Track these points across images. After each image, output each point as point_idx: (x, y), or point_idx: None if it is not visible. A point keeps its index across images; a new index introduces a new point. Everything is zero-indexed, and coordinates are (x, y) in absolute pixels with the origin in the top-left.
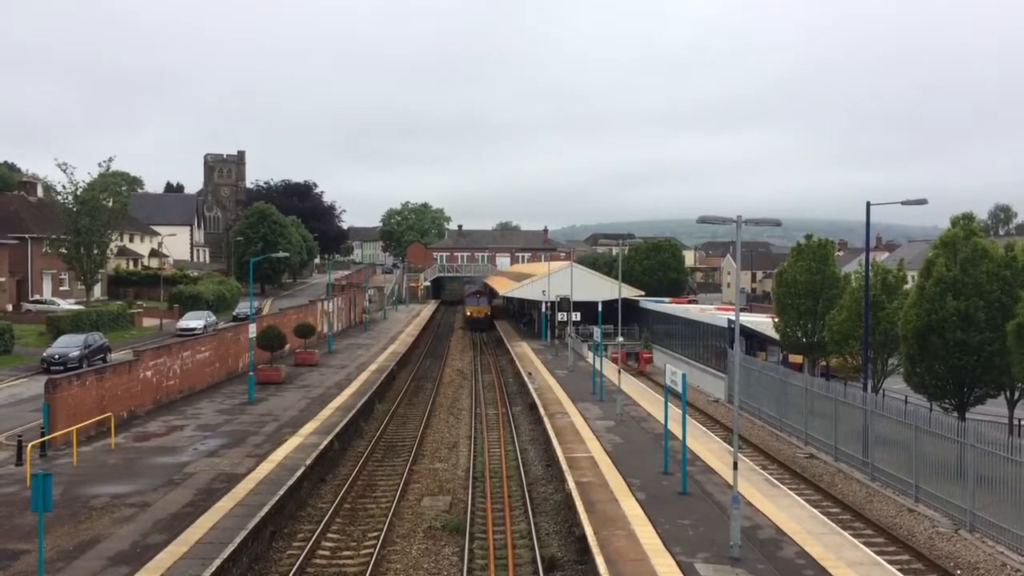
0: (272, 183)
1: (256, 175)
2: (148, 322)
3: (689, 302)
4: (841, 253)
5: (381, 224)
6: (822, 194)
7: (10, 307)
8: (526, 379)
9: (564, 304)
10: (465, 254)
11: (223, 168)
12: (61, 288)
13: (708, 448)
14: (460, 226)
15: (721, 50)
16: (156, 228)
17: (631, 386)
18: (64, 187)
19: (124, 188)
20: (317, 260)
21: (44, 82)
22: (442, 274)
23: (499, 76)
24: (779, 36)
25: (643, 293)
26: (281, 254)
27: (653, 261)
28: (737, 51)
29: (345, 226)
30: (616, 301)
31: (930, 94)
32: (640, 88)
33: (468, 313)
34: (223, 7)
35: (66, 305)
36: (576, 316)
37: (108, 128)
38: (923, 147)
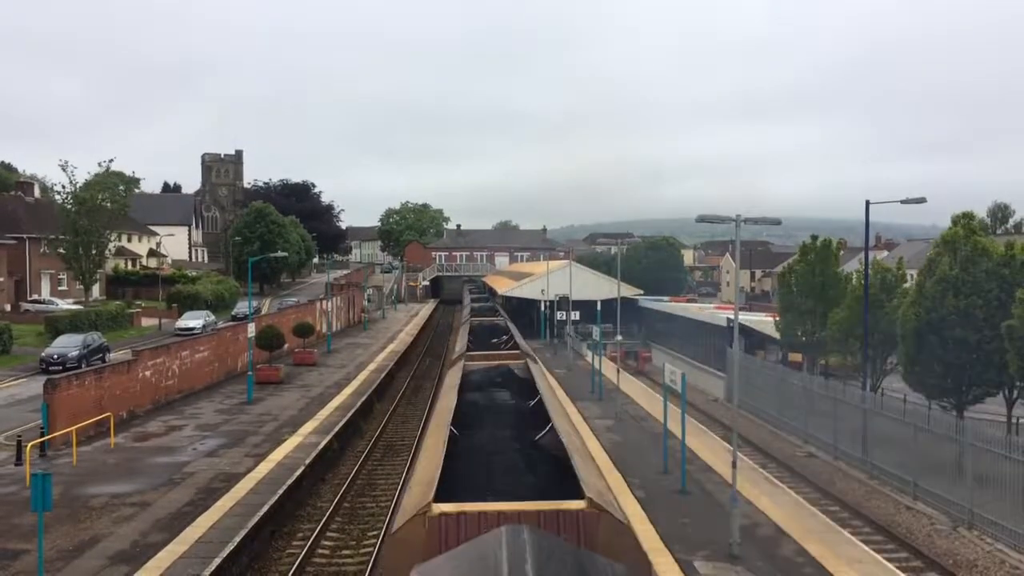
0: (270, 183)
1: (256, 173)
2: (147, 322)
3: (688, 301)
4: (840, 252)
5: (380, 224)
6: (821, 193)
7: (8, 307)
8: None
9: (563, 303)
10: (464, 254)
11: (221, 168)
12: (59, 288)
13: (707, 447)
14: (459, 226)
15: (723, 48)
16: (154, 228)
17: (630, 385)
18: (63, 187)
19: (123, 188)
20: (316, 260)
21: (38, 76)
22: (441, 273)
23: (499, 75)
24: (776, 37)
25: (642, 292)
26: (279, 254)
27: (652, 260)
28: (736, 51)
29: (343, 226)
30: (615, 300)
31: (929, 93)
32: (640, 85)
33: None
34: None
35: (64, 305)
36: (575, 315)
37: (103, 126)
38: (922, 146)
